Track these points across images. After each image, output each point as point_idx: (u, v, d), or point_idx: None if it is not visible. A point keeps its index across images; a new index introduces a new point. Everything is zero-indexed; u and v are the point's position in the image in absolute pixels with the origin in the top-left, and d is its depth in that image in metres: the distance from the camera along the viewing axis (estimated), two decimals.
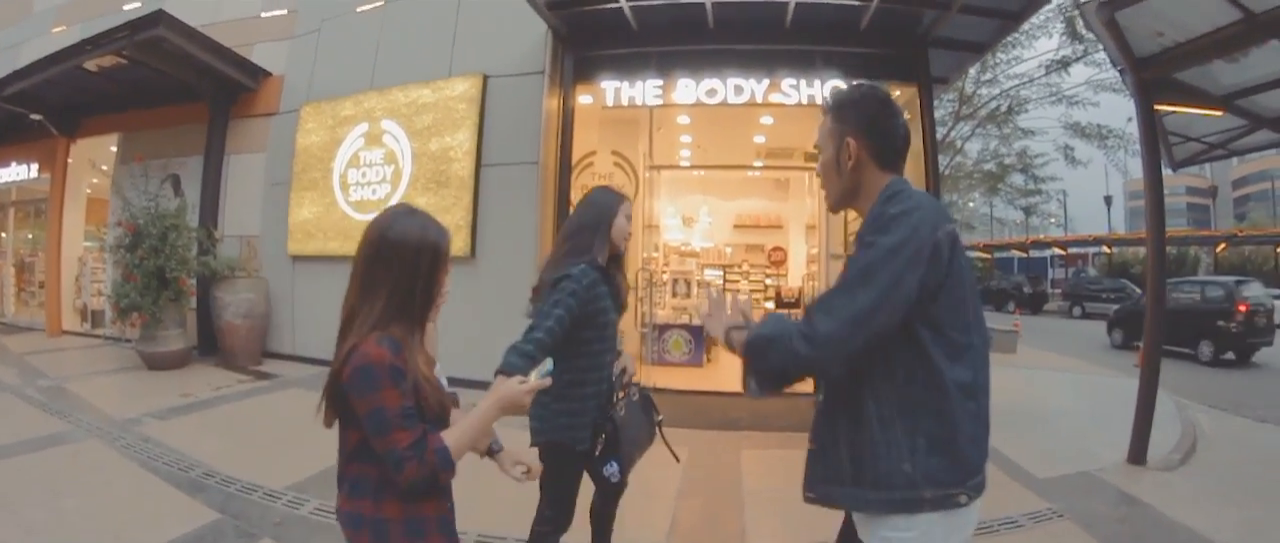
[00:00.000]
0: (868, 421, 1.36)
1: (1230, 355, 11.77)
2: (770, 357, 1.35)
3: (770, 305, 8.47)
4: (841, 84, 6.28)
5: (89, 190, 11.42)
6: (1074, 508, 3.89)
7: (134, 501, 3.65)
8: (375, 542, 1.40)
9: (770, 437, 5.19)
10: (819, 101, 6.28)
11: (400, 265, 1.37)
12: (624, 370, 2.47)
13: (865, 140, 1.44)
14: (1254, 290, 12.72)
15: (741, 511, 3.87)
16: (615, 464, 2.31)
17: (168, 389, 6.30)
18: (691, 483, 4.24)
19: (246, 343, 7.72)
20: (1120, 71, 5.77)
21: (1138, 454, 4.78)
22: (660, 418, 2.56)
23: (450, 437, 1.39)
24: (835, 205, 1.55)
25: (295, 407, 5.98)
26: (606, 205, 2.40)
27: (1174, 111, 5.83)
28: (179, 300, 7.38)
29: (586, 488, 2.47)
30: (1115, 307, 17.84)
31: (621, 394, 2.41)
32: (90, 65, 8.32)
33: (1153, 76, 4.99)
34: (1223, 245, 25.64)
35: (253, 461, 4.32)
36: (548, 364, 1.74)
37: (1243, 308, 11.75)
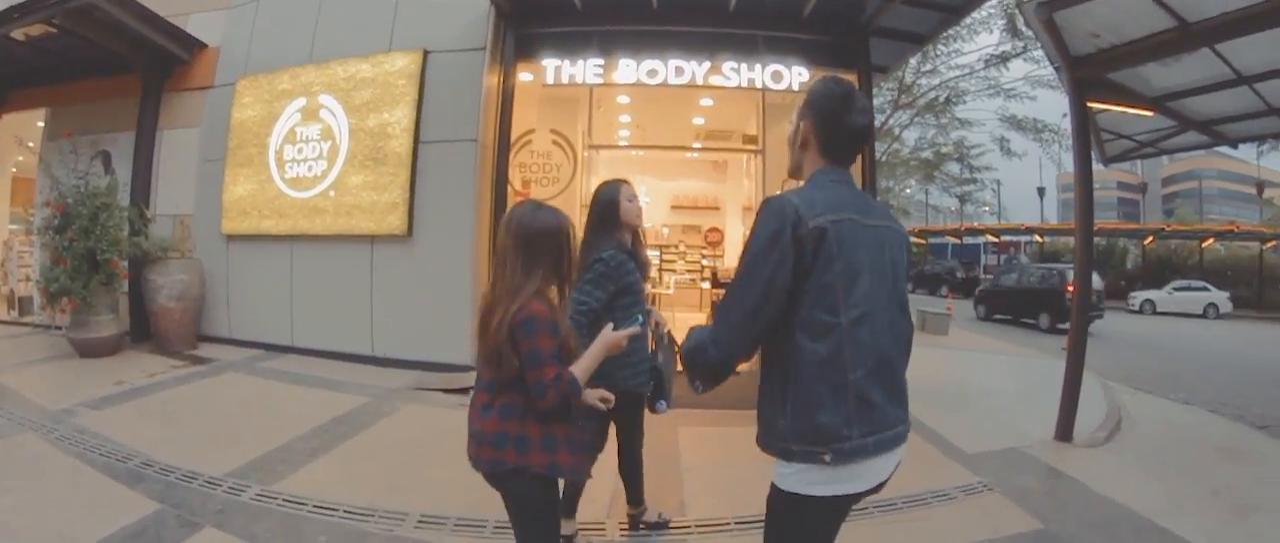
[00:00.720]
0: (763, 381, 1.62)
1: (1065, 326, 12.88)
2: (698, 363, 1.58)
3: (706, 286, 8.43)
4: (782, 69, 6.24)
5: (15, 169, 10.70)
6: (1003, 481, 3.93)
7: (73, 495, 3.44)
8: (518, 453, 1.82)
9: (707, 414, 5.07)
10: (759, 86, 6.25)
11: (544, 246, 1.83)
12: (657, 323, 2.78)
13: (815, 127, 1.63)
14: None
15: (681, 485, 3.83)
16: (664, 402, 2.61)
17: (101, 377, 5.92)
18: None
19: (180, 327, 7.28)
20: (1056, 69, 5.84)
21: (1064, 432, 4.86)
22: (679, 346, 2.81)
23: (576, 370, 1.83)
24: (789, 175, 1.78)
25: (232, 392, 5.71)
26: (609, 197, 2.78)
27: (1106, 110, 5.92)
28: (110, 284, 6.86)
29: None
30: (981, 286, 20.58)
31: (651, 345, 2.75)
32: (17, 34, 7.65)
33: (1087, 75, 5.07)
34: (1150, 239, 26.57)
35: (191, 448, 4.10)
36: (638, 318, 2.24)
37: (1070, 288, 13.17)
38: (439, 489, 3.52)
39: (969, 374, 7.65)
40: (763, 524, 1.67)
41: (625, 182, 2.88)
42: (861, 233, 1.53)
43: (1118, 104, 5.73)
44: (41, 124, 9.18)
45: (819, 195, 1.53)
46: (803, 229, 1.45)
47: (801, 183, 1.67)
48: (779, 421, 1.54)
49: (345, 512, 3.27)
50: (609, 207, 2.77)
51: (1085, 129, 5.23)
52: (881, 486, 1.62)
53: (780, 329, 1.52)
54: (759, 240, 1.49)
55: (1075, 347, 5.09)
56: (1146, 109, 5.88)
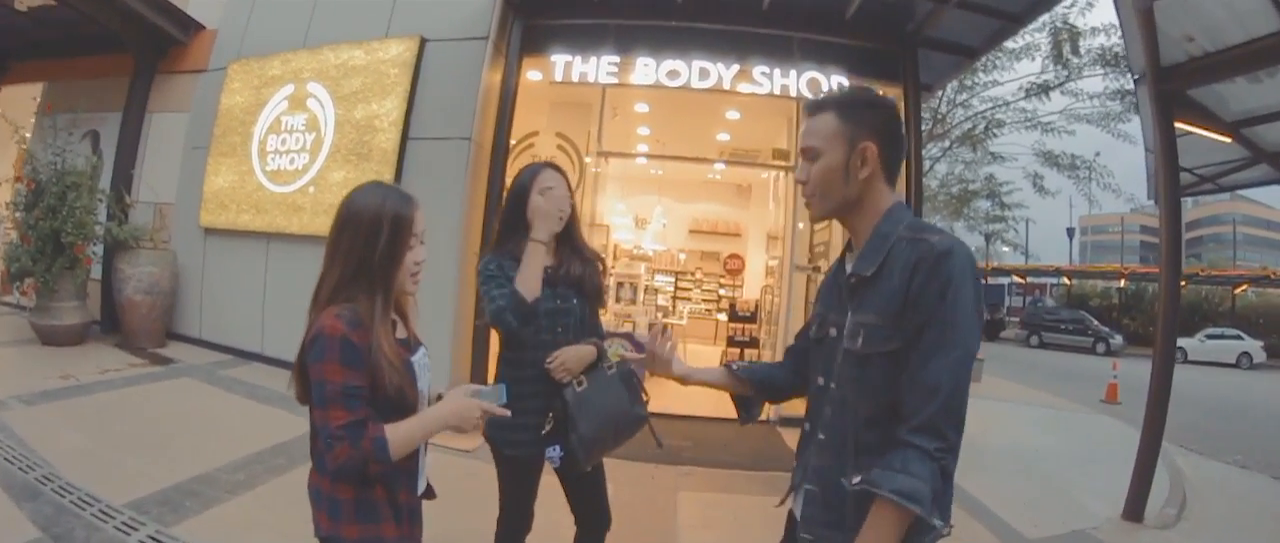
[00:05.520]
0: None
1: None
2: (945, 473, 1.12)
3: (722, 317, 7.58)
4: (819, 76, 5.40)
5: (25, 144, 10.22)
6: None
7: None
8: (330, 518, 1.35)
9: (714, 476, 4.21)
10: (793, 94, 5.38)
11: (352, 234, 1.32)
12: (602, 351, 2.06)
13: (881, 149, 1.26)
14: None
15: None
16: (558, 448, 1.92)
17: (50, 369, 5.31)
18: (614, 535, 3.32)
19: (148, 322, 6.59)
20: (1135, 82, 5.06)
21: (1135, 511, 4.14)
22: (647, 400, 2.08)
23: (395, 431, 1.29)
24: (827, 214, 1.33)
25: (179, 401, 5.03)
26: (519, 188, 2.01)
27: (1190, 133, 5.07)
28: (74, 269, 6.27)
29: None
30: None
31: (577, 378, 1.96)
32: (20, 5, 7.28)
33: (1172, 89, 4.30)
34: (1183, 283, 25.36)
35: (103, 465, 3.52)
36: (501, 392, 1.45)
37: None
38: None
39: (1013, 431, 6.73)
40: None
41: (550, 165, 2.07)
42: None
43: (1198, 126, 4.95)
44: (36, 99, 8.65)
45: None
46: None
47: (866, 217, 1.29)
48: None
49: None
50: (516, 200, 2.00)
51: (1173, 152, 4.39)
52: None
53: None
54: (971, 297, 1.14)
55: (1153, 419, 4.24)
56: (1225, 134, 5.14)
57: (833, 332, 1.31)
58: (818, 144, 1.28)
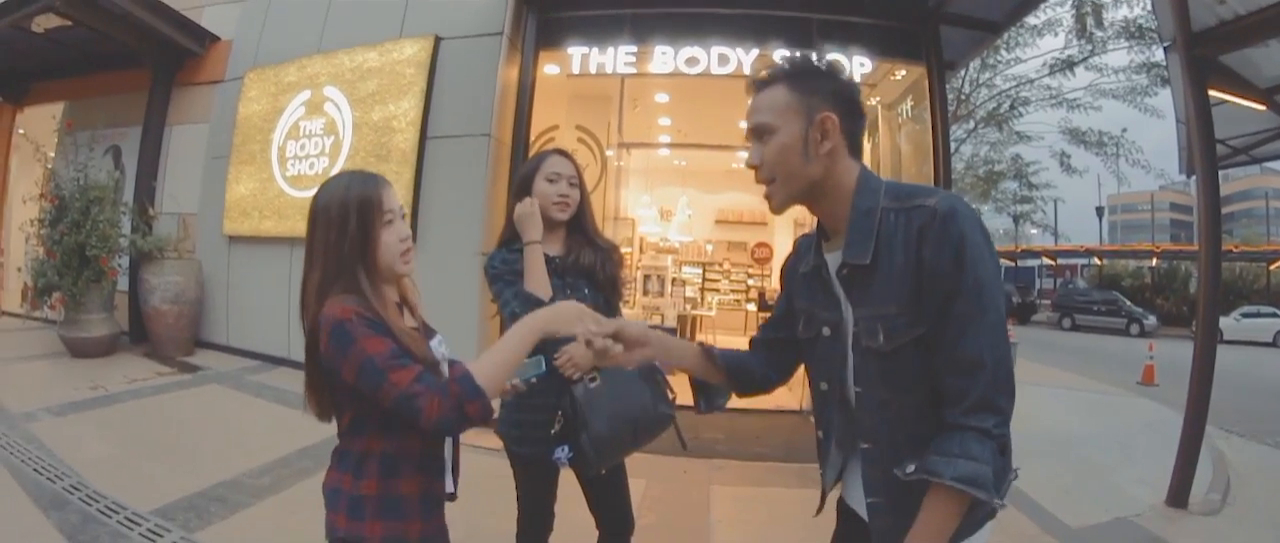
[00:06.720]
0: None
1: None
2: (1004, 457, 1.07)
3: (752, 308, 7.50)
4: (841, 58, 5.32)
5: (50, 165, 10.47)
6: None
7: None
8: (350, 517, 1.27)
9: (747, 469, 4.19)
10: None
11: (325, 228, 1.24)
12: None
13: (843, 119, 1.13)
14: None
15: None
16: (566, 449, 1.75)
17: (79, 380, 5.44)
18: (646, 530, 3.29)
19: (175, 331, 6.73)
20: (1166, 49, 4.91)
21: (1179, 497, 4.01)
22: (674, 397, 1.90)
23: (477, 362, 1.20)
24: (790, 200, 1.19)
25: (206, 407, 5.13)
26: (525, 176, 1.98)
27: (1223, 101, 4.93)
28: (100, 282, 6.41)
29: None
30: None
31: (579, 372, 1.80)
32: (36, 27, 7.43)
33: (1204, 55, 4.16)
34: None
35: (130, 472, 3.58)
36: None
37: None
38: None
39: (1049, 416, 6.63)
40: None
41: (557, 151, 2.03)
42: None
43: (1232, 94, 4.85)
44: (55, 117, 8.84)
45: None
46: None
47: (837, 198, 1.15)
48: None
49: None
50: (522, 189, 1.96)
51: (1208, 121, 4.22)
52: None
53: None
54: (987, 253, 1.04)
55: (1197, 401, 4.13)
56: (1259, 102, 5.06)
57: (826, 331, 1.20)
58: (770, 120, 1.14)
